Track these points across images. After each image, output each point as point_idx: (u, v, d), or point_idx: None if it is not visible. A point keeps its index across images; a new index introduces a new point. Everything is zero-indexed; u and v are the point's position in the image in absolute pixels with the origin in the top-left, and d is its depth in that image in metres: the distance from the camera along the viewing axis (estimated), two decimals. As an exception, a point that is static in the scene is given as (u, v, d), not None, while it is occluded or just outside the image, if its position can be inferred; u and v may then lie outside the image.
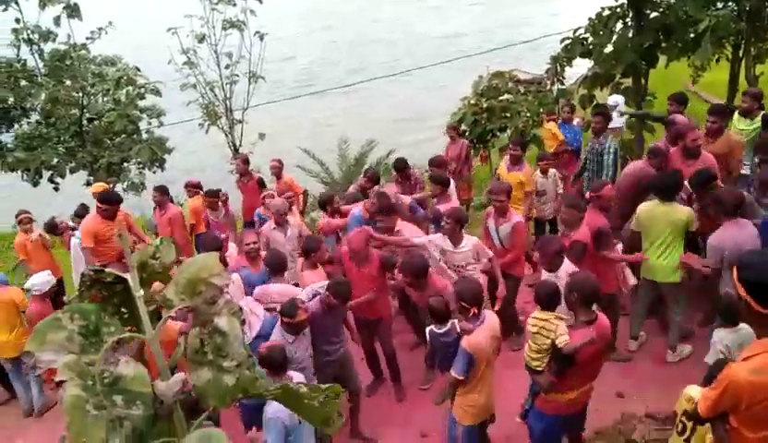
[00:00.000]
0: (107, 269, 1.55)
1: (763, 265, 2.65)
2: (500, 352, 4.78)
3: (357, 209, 6.91)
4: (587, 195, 6.24)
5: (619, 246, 5.97)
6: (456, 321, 4.45)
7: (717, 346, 4.47)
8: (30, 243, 8.11)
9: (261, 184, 9.26)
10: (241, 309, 1.55)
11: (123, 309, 1.57)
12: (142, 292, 1.50)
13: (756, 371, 2.60)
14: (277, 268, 5.69)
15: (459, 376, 4.25)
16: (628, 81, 10.64)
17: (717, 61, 11.70)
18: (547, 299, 4.22)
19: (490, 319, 4.44)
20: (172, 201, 8.93)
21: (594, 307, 4.16)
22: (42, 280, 6.79)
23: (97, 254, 7.12)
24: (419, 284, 5.34)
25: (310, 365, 5.06)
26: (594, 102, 10.88)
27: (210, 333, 1.49)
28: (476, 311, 4.36)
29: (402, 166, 8.07)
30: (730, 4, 9.89)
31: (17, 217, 8.28)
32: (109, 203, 7.28)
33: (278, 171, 9.13)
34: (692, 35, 9.45)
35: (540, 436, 4.41)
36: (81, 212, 8.50)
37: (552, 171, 8.06)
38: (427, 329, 4.60)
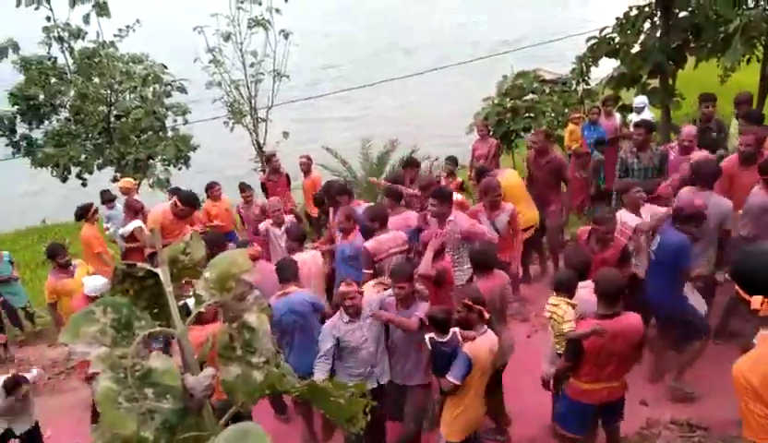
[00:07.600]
0: (139, 264, 1.58)
1: (747, 260, 2.68)
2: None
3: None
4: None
5: None
6: (458, 330, 4.34)
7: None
8: None
9: (288, 181, 9.36)
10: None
11: (154, 304, 1.60)
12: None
13: (758, 362, 2.53)
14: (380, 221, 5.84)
15: (456, 381, 4.16)
16: (655, 82, 10.50)
17: (748, 61, 11.46)
18: (560, 284, 4.47)
19: (490, 333, 4.43)
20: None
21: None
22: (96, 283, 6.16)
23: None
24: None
25: (366, 357, 4.74)
26: (620, 103, 10.77)
27: (239, 329, 1.50)
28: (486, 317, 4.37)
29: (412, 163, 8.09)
30: (761, 3, 9.70)
31: None
32: (186, 204, 7.00)
33: (306, 167, 9.16)
34: (722, 35, 9.30)
35: (561, 414, 4.53)
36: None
37: None
38: (427, 337, 4.36)
